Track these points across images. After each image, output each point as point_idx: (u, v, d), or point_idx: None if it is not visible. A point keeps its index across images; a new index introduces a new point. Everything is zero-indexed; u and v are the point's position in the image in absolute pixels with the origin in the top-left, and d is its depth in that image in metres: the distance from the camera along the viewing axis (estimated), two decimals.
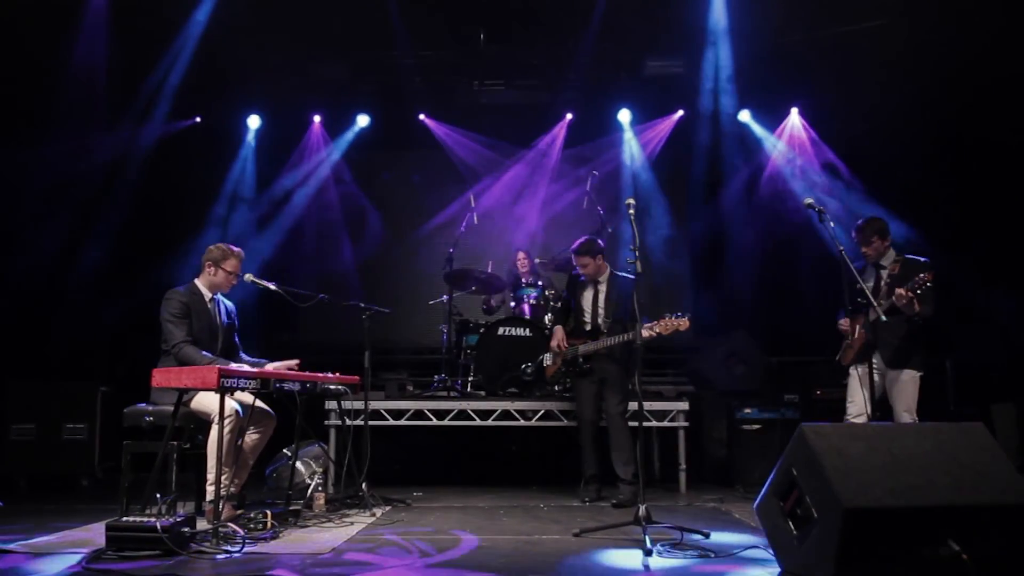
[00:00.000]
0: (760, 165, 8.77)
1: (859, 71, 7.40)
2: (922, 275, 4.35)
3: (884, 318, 4.24)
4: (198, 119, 8.41)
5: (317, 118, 8.89)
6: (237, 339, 4.77)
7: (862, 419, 4.54)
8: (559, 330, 5.53)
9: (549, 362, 5.64)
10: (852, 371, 4.73)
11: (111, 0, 6.79)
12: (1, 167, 6.62)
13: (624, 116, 8.80)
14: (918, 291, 4.36)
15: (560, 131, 9.01)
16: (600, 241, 5.49)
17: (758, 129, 8.68)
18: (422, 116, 8.91)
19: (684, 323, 4.93)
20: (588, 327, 5.43)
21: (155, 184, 7.80)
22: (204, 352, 4.31)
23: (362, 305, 5.15)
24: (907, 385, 4.59)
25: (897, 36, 6.90)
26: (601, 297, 5.41)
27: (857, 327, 4.69)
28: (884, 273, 4.71)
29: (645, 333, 4.93)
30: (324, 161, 8.96)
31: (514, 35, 7.82)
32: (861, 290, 4.35)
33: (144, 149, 7.77)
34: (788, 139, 8.63)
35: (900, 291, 4.38)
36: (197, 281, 4.55)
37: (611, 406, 5.24)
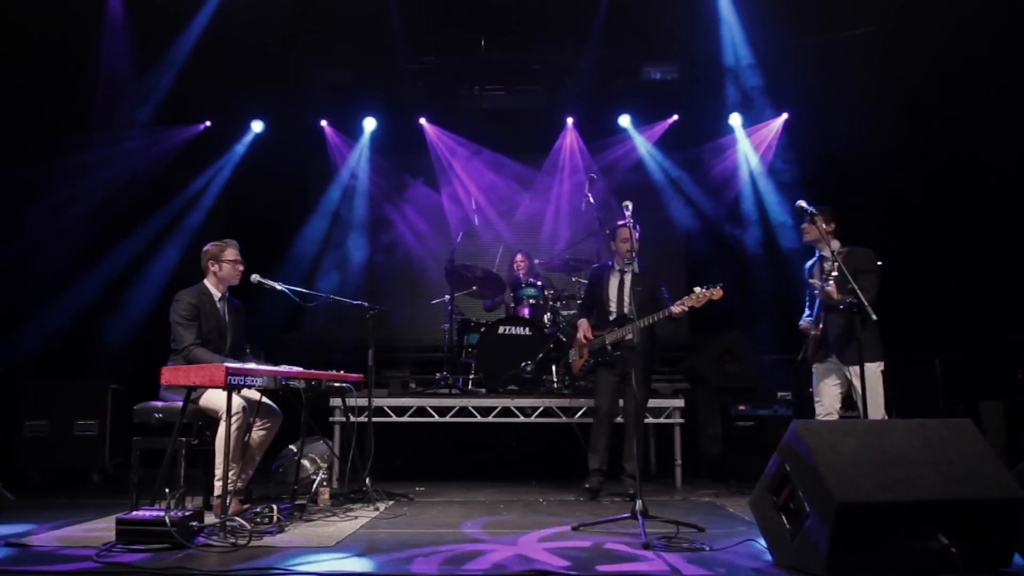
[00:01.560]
0: (746, 169, 8.80)
1: (846, 78, 7.39)
2: (828, 263, 4.30)
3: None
4: (208, 123, 8.43)
5: (324, 123, 8.90)
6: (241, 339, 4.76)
7: (832, 418, 4.42)
8: (584, 322, 5.36)
9: (575, 357, 5.42)
10: (815, 369, 4.62)
11: (127, 10, 6.83)
12: (16, 176, 6.66)
13: (625, 120, 8.81)
14: (828, 280, 4.29)
15: (560, 135, 9.01)
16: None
17: (741, 134, 8.72)
18: (423, 120, 8.91)
19: (717, 292, 4.76)
20: (613, 316, 5.25)
21: (168, 188, 7.82)
22: (213, 354, 4.30)
23: (366, 304, 5.15)
24: (869, 381, 4.31)
25: (884, 43, 6.93)
26: (627, 286, 5.23)
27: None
28: (827, 265, 4.49)
29: (677, 309, 4.88)
30: (337, 165, 9.02)
31: (514, 41, 7.84)
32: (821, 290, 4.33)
33: (158, 154, 7.80)
34: (763, 143, 8.67)
35: (814, 281, 4.31)
36: (205, 282, 4.54)
37: (631, 402, 4.99)
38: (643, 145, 8.93)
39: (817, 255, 4.72)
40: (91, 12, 6.67)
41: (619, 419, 5.28)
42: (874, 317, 4.02)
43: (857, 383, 4.35)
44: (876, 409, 4.34)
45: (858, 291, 4.10)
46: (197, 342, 4.28)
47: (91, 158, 7.25)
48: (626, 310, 5.21)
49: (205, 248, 4.59)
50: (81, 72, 6.81)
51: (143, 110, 7.41)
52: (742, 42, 7.52)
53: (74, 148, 7.07)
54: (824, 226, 4.53)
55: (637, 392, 4.79)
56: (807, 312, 4.72)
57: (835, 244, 4.47)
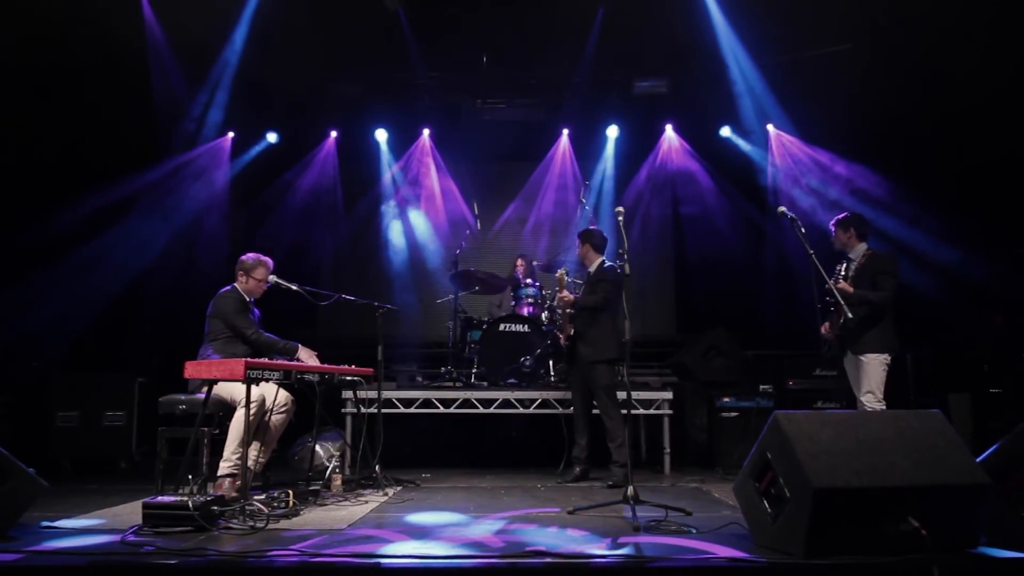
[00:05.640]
0: (735, 176, 8.80)
1: (829, 91, 7.40)
2: (854, 265, 4.48)
3: (850, 315, 4.19)
4: (231, 135, 8.43)
5: (333, 133, 8.90)
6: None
7: (881, 406, 4.35)
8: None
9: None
10: (845, 364, 4.63)
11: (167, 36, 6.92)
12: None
13: (612, 132, 8.81)
14: (839, 279, 4.42)
15: (557, 146, 9.03)
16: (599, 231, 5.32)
17: (740, 143, 8.70)
18: (426, 131, 8.91)
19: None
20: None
21: (185, 195, 7.83)
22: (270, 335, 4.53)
23: (376, 303, 5.16)
24: (869, 367, 4.40)
25: (862, 59, 6.93)
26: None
27: (830, 324, 4.59)
28: (853, 265, 4.59)
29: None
30: (345, 174, 9.01)
31: (514, 58, 7.85)
32: (830, 290, 4.34)
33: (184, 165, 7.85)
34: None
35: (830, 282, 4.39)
36: (237, 286, 4.62)
37: (600, 404, 5.09)
38: (633, 158, 8.93)
39: (845, 258, 4.72)
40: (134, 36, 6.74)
41: (595, 411, 5.23)
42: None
43: (861, 370, 4.45)
44: (870, 397, 4.37)
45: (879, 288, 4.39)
46: (259, 329, 4.47)
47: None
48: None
49: (250, 263, 4.64)
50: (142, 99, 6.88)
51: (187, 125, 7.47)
52: (730, 56, 7.52)
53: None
54: (843, 233, 4.71)
55: (599, 397, 4.97)
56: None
57: (862, 248, 4.63)
